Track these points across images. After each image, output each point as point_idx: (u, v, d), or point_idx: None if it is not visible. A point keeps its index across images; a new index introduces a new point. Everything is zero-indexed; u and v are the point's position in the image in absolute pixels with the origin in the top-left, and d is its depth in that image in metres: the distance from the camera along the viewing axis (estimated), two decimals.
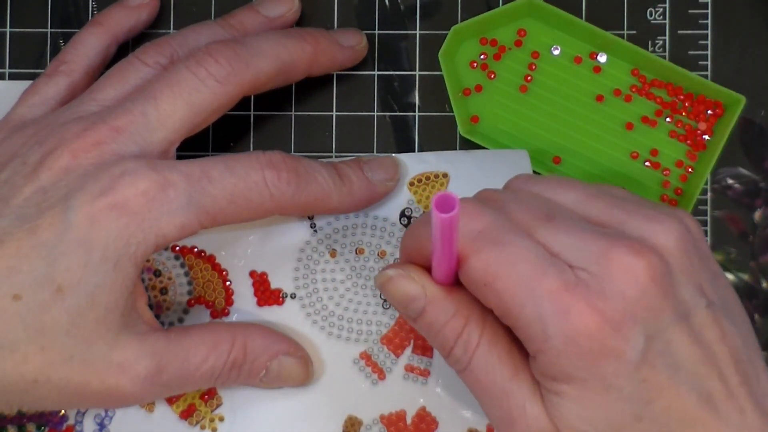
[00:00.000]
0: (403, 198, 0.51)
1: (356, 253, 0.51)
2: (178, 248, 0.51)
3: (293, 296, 0.50)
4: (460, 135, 0.52)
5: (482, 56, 0.52)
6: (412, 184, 0.51)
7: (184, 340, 0.46)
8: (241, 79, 0.46)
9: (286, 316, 0.50)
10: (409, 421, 0.50)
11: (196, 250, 0.51)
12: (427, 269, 0.43)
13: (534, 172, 0.51)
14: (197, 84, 0.46)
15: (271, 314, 0.50)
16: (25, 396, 0.44)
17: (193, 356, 0.46)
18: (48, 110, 0.48)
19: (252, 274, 0.50)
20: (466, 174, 0.51)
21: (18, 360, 0.43)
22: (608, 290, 0.39)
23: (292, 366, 0.48)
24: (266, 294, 0.50)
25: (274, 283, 0.50)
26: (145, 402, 0.47)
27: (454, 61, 0.52)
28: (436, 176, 0.51)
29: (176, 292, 0.51)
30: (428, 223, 0.41)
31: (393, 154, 0.51)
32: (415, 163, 0.51)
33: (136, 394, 0.45)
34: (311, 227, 0.51)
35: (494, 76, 0.52)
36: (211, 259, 0.51)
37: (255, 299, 0.50)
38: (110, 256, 0.43)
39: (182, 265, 0.51)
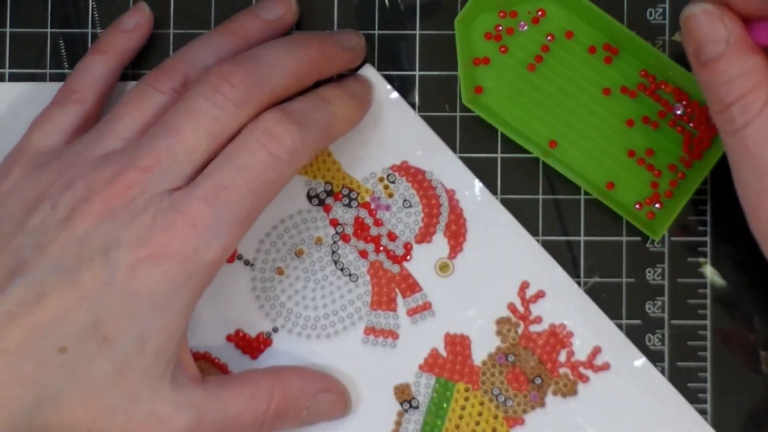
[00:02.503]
0: (299, 185, 0.52)
1: (296, 255, 0.51)
2: None
3: (276, 330, 0.51)
4: (458, 124, 0.52)
5: (498, 28, 0.52)
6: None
7: (223, 391, 0.47)
8: (259, 98, 0.46)
9: (282, 349, 0.51)
10: (444, 353, 0.51)
11: None
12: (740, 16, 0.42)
13: (526, 151, 0.51)
14: (216, 112, 0.45)
15: (270, 357, 0.51)
16: None
17: (233, 407, 0.46)
18: (63, 139, 0.48)
19: (229, 338, 0.51)
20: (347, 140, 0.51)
21: (63, 413, 0.44)
22: None
23: (331, 401, 0.49)
24: (253, 345, 0.51)
25: (253, 331, 0.51)
26: None
27: (469, 30, 0.52)
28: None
29: None
30: None
31: (357, 75, 0.52)
32: None
33: None
34: (245, 264, 0.51)
35: (506, 51, 0.52)
36: (195, 354, 0.51)
37: (247, 356, 0.51)
38: (157, 303, 0.44)
39: None
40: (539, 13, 0.52)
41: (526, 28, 0.52)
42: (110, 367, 0.44)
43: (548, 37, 0.52)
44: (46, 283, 0.44)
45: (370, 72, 0.52)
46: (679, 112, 0.51)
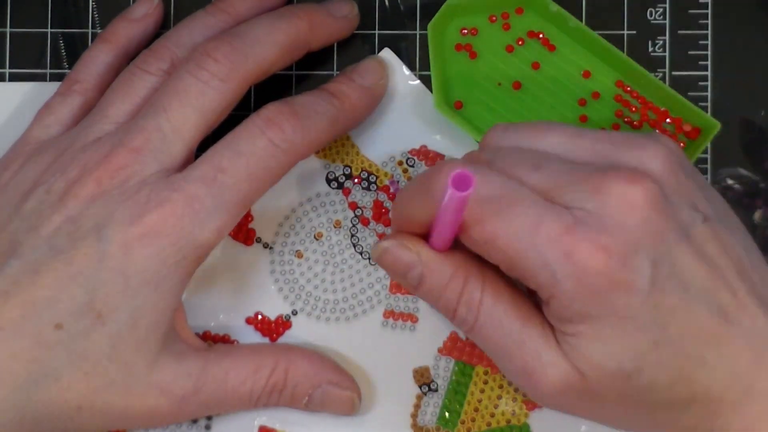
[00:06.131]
0: (318, 168, 0.52)
1: (315, 238, 0.51)
2: None
3: (295, 313, 0.51)
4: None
5: (472, 32, 0.52)
6: (317, 151, 0.52)
7: (224, 361, 0.47)
8: (244, 72, 0.47)
9: (302, 332, 0.51)
10: (463, 337, 0.51)
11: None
12: (421, 235, 0.43)
13: None
14: (202, 87, 0.46)
15: (289, 340, 0.51)
16: (69, 423, 0.45)
17: (232, 378, 0.47)
18: (63, 129, 0.49)
19: (249, 320, 0.51)
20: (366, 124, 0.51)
21: (62, 387, 0.44)
22: (608, 224, 0.40)
23: (337, 397, 0.49)
24: (272, 328, 0.51)
25: (272, 314, 0.51)
26: (183, 420, 0.48)
27: (442, 35, 0.52)
28: None
29: None
30: (423, 194, 0.41)
31: (373, 56, 0.52)
32: None
33: (173, 413, 0.46)
34: (264, 247, 0.51)
35: (475, 56, 0.52)
36: (214, 337, 0.51)
37: (266, 339, 0.51)
38: (149, 280, 0.44)
39: None
40: (511, 17, 0.52)
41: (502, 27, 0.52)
42: (105, 342, 0.44)
43: (519, 42, 0.52)
44: (40, 262, 0.44)
45: (388, 56, 0.52)
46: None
